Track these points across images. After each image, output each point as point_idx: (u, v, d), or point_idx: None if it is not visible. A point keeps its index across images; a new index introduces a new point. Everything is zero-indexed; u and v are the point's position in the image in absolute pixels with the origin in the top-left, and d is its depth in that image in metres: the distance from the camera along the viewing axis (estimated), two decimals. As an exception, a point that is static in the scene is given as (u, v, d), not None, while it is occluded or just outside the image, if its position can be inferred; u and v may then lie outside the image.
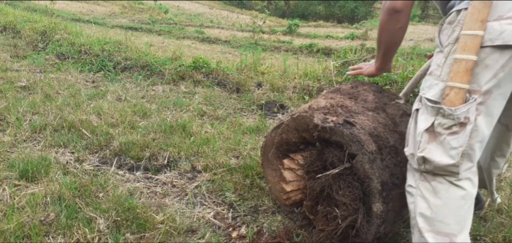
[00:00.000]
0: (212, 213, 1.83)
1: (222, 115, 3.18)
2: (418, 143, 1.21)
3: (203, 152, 2.39)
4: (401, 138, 1.55)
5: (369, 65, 1.74)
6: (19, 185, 1.91)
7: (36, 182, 1.95)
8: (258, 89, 3.92)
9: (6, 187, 1.87)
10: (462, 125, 1.12)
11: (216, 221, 1.78)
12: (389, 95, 1.79)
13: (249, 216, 1.83)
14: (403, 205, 1.55)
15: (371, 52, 4.47)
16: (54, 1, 12.70)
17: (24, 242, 1.53)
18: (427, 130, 1.19)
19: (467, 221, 1.21)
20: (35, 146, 2.40)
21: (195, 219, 1.77)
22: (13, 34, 6.22)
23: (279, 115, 3.37)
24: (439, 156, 1.16)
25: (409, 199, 1.29)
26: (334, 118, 1.48)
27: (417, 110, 1.26)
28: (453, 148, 1.14)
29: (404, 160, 1.50)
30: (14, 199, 1.77)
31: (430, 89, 1.21)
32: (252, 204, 1.92)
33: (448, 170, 1.16)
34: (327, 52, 7.92)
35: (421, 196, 1.24)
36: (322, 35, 12.59)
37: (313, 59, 6.97)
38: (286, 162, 1.74)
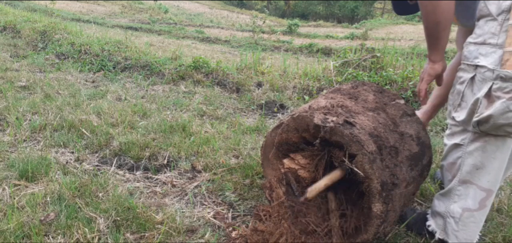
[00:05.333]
0: (212, 213, 1.83)
1: (222, 115, 3.18)
2: (477, 108, 1.31)
3: (203, 152, 2.39)
4: (401, 138, 1.55)
5: (424, 70, 1.61)
6: (19, 184, 1.91)
7: (36, 181, 1.95)
8: (258, 89, 3.92)
9: (6, 187, 1.87)
10: None
11: (216, 221, 1.78)
12: (389, 96, 1.79)
13: (249, 216, 1.83)
14: (403, 205, 1.56)
15: (370, 52, 4.47)
16: (54, 1, 12.71)
17: (24, 242, 1.53)
18: (485, 96, 1.27)
19: (498, 183, 1.43)
20: (35, 146, 2.40)
21: (195, 219, 1.77)
22: (13, 34, 6.22)
23: (279, 115, 3.37)
24: (496, 118, 1.26)
25: (455, 154, 1.47)
26: (334, 119, 1.48)
27: (472, 78, 1.34)
28: (511, 111, 1.23)
29: (404, 160, 1.50)
30: (14, 198, 1.77)
31: (486, 57, 1.28)
32: (252, 204, 1.92)
33: (504, 130, 1.28)
34: (327, 52, 7.93)
35: (469, 153, 1.41)
36: (322, 35, 12.60)
37: (313, 59, 6.97)
38: (286, 161, 1.74)
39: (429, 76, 1.58)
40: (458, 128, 1.45)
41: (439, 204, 1.59)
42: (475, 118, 1.31)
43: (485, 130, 1.32)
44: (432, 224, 1.62)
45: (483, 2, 1.33)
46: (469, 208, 1.46)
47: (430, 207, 1.75)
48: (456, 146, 1.46)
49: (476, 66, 1.31)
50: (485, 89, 1.27)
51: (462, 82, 1.39)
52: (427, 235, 1.66)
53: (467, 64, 1.36)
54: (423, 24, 1.47)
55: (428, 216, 1.68)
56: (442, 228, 1.57)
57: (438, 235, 1.58)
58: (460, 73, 1.41)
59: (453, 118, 1.45)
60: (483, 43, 1.31)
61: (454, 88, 1.45)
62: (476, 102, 1.31)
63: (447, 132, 1.52)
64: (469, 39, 1.38)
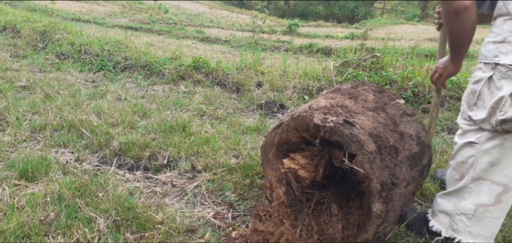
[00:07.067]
0: (212, 213, 1.83)
1: (222, 115, 3.18)
2: (501, 107, 1.31)
3: (203, 152, 2.39)
4: (401, 138, 1.55)
5: (445, 67, 1.66)
6: (19, 184, 1.91)
7: (36, 181, 1.95)
8: (258, 89, 3.93)
9: (6, 187, 1.87)
10: None
11: (216, 221, 1.78)
12: (389, 95, 1.79)
13: (249, 216, 1.83)
14: (403, 205, 1.56)
15: (370, 52, 4.47)
16: (54, 1, 12.71)
17: (24, 242, 1.53)
18: (511, 95, 1.28)
19: None
20: (35, 146, 2.40)
21: (195, 219, 1.77)
22: (13, 33, 6.22)
23: (279, 115, 3.37)
24: None
25: (467, 153, 1.46)
26: (334, 118, 1.48)
27: (490, 77, 1.34)
28: None
29: (404, 160, 1.50)
30: (14, 198, 1.77)
31: (507, 55, 1.30)
32: (252, 203, 1.92)
33: None
34: (327, 52, 7.93)
35: (484, 151, 1.41)
36: (322, 35, 12.61)
37: (313, 59, 6.97)
38: (286, 161, 1.74)
39: (449, 75, 1.66)
40: (471, 126, 1.44)
41: (443, 203, 1.57)
42: (499, 117, 1.31)
43: (508, 128, 1.33)
44: (435, 224, 1.61)
45: (502, 2, 1.33)
46: (484, 203, 1.45)
47: (430, 207, 1.75)
48: (469, 144, 1.45)
49: (496, 64, 1.32)
50: (510, 88, 1.28)
51: (477, 81, 1.39)
52: (427, 235, 1.66)
53: (485, 63, 1.36)
54: (448, 38, 1.50)
55: (428, 216, 1.67)
56: (448, 226, 1.55)
57: (444, 234, 1.57)
58: (475, 72, 1.41)
59: (469, 117, 1.44)
60: (503, 42, 1.32)
61: (468, 88, 1.45)
62: (499, 101, 1.31)
63: (459, 131, 1.51)
64: (487, 39, 1.39)
